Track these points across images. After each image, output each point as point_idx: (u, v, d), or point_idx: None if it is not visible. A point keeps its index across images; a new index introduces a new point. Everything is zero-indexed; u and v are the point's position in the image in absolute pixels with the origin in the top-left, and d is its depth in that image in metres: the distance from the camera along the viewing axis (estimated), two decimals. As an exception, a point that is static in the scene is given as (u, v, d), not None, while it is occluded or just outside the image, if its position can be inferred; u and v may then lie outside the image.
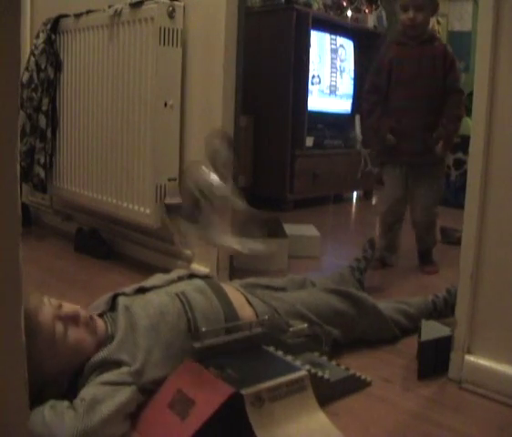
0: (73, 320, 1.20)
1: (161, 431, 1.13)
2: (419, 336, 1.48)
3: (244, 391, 1.10)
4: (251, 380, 1.15)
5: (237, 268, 2.08)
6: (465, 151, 4.38)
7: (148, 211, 2.10)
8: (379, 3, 4.75)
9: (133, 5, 2.10)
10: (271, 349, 1.32)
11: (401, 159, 2.44)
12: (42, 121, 2.54)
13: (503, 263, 1.32)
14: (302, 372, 1.21)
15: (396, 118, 2.40)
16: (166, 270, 2.17)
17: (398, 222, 2.51)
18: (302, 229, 2.76)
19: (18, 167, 0.79)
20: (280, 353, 1.31)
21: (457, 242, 1.63)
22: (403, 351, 1.56)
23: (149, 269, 2.22)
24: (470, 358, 1.37)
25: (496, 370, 1.32)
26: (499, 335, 1.33)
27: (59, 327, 1.16)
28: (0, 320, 0.81)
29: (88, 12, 2.36)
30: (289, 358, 1.29)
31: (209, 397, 1.11)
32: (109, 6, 2.22)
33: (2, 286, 0.80)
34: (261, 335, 1.34)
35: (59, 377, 1.17)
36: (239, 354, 1.27)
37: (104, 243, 2.43)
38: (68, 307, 1.23)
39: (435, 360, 1.43)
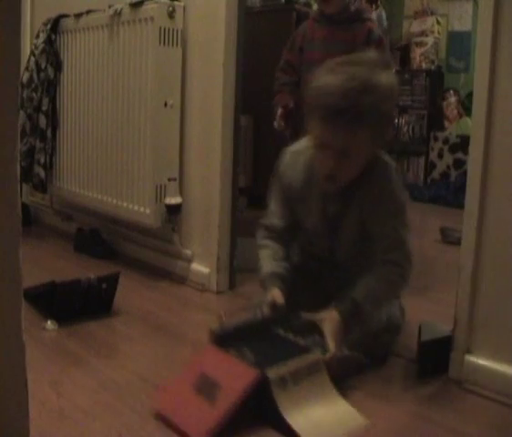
0: None
1: (190, 413, 1.16)
2: (419, 336, 1.48)
3: (269, 373, 1.15)
4: (269, 362, 1.19)
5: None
6: (465, 151, 4.39)
7: (148, 211, 2.10)
8: (379, 3, 4.75)
9: (133, 5, 2.10)
10: (281, 331, 1.35)
11: None
12: (42, 121, 2.54)
13: (503, 263, 1.32)
14: (318, 354, 1.25)
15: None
16: (165, 270, 2.18)
17: None
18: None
19: (18, 167, 0.79)
20: (290, 336, 1.34)
21: (457, 242, 1.63)
22: (403, 351, 1.56)
23: (149, 269, 2.23)
24: (470, 358, 1.37)
25: (496, 371, 1.32)
26: (499, 335, 1.33)
27: None
28: (0, 319, 0.81)
29: (88, 12, 2.36)
30: (300, 340, 1.32)
31: (234, 380, 1.16)
32: (109, 6, 2.22)
33: (2, 286, 0.80)
34: (275, 318, 1.38)
35: None
36: (252, 338, 1.32)
37: (104, 243, 2.43)
38: None
39: (435, 360, 1.43)
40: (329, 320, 1.36)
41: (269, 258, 1.52)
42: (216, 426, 1.09)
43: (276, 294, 1.44)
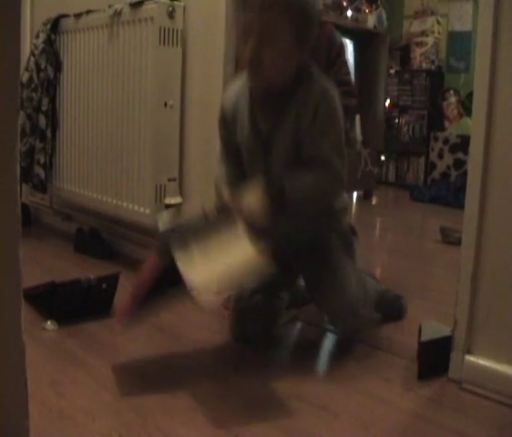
0: None
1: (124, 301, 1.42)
2: (419, 336, 1.48)
3: (173, 245, 1.30)
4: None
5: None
6: (466, 151, 4.39)
7: (148, 211, 2.10)
8: (379, 3, 4.74)
9: (133, 5, 2.10)
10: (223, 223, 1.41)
11: None
12: (42, 121, 2.54)
13: (503, 263, 1.32)
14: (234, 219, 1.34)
15: None
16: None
17: None
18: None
19: (18, 167, 0.79)
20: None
21: (457, 242, 1.63)
22: (403, 351, 1.56)
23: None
24: (470, 358, 1.37)
25: (496, 370, 1.32)
26: (499, 335, 1.33)
27: None
28: (0, 319, 0.81)
29: (88, 12, 2.36)
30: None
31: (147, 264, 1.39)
32: (109, 6, 2.22)
33: (2, 286, 0.80)
34: (216, 219, 1.44)
35: None
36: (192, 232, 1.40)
37: (104, 243, 2.43)
38: None
39: (435, 360, 1.43)
40: (251, 189, 1.39)
41: (223, 175, 1.58)
42: (127, 305, 1.37)
43: (226, 194, 1.49)
